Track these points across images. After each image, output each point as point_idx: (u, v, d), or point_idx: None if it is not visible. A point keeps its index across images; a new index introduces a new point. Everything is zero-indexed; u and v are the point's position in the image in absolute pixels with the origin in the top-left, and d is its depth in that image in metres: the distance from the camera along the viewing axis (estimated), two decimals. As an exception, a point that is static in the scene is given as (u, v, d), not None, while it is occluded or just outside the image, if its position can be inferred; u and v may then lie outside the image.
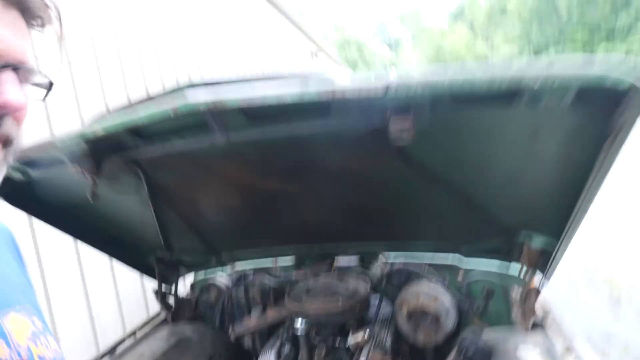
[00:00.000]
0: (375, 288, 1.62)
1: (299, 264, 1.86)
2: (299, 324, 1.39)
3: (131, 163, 1.11)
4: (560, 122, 0.78)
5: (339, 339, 1.42)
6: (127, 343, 1.59)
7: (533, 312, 1.34)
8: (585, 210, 0.97)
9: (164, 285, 1.76)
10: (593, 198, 0.91)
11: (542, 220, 1.17)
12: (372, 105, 0.75)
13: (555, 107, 0.71)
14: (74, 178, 1.02)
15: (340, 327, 1.46)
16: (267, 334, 1.61)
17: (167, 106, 0.82)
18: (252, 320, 1.53)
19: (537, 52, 22.40)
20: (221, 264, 1.89)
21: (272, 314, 1.52)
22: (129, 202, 1.37)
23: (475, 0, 28.64)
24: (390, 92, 0.69)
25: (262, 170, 1.17)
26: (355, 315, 1.46)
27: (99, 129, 0.89)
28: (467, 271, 1.57)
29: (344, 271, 1.71)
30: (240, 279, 1.81)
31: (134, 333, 1.69)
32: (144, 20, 3.05)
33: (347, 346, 1.39)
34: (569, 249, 1.13)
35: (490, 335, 1.38)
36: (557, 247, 1.16)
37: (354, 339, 1.37)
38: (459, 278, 1.58)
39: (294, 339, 1.43)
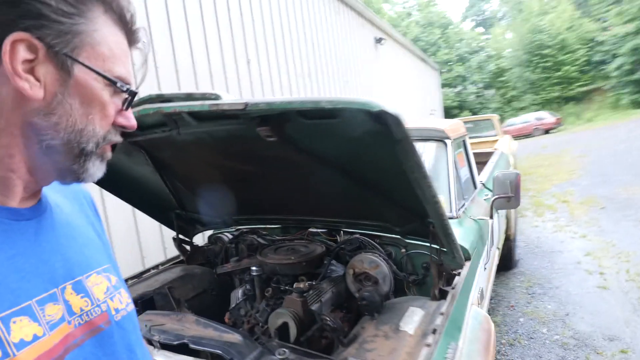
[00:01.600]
0: (331, 253, 2.00)
1: (284, 231, 2.33)
2: (254, 270, 1.84)
3: (133, 144, 1.63)
4: (369, 132, 1.09)
5: (287, 286, 1.85)
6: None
7: (437, 284, 1.63)
8: (435, 196, 1.26)
9: (181, 236, 2.34)
10: (432, 186, 1.20)
11: (423, 207, 1.43)
12: (237, 116, 1.14)
13: (358, 122, 1.04)
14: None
15: (294, 278, 1.89)
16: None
17: (149, 107, 1.29)
18: (229, 265, 2.03)
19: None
20: (227, 225, 2.42)
21: (245, 262, 2.01)
22: (148, 172, 1.92)
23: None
24: (247, 108, 1.07)
25: (223, 154, 1.61)
26: (304, 269, 1.86)
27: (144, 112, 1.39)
28: (408, 248, 1.88)
29: (313, 238, 2.12)
30: (238, 236, 2.32)
31: (157, 266, 2.31)
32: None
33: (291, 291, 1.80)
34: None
35: (402, 299, 1.70)
36: (441, 228, 1.43)
37: (296, 285, 1.79)
38: (402, 251, 1.90)
39: (259, 281, 1.88)
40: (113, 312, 0.58)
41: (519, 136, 20.07)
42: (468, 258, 1.83)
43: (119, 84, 0.55)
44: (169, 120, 1.33)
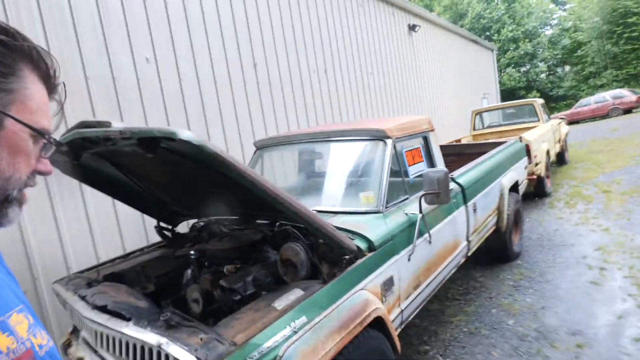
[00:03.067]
0: (266, 237, 2.32)
1: (245, 222, 2.69)
2: (192, 254, 2.23)
3: (95, 154, 2.09)
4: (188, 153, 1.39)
5: (224, 267, 2.22)
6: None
7: (322, 269, 1.89)
8: (277, 197, 1.54)
9: (163, 224, 2.82)
10: (269, 189, 1.48)
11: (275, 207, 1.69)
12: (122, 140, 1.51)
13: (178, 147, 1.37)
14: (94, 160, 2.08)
15: (232, 261, 2.25)
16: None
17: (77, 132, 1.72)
18: (182, 250, 2.46)
19: None
20: (201, 216, 2.85)
21: (197, 247, 2.41)
22: (120, 175, 2.40)
23: None
24: (122, 134, 1.44)
25: (144, 163, 2.00)
26: (236, 254, 2.21)
27: (68, 137, 1.87)
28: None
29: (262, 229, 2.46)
30: (204, 225, 2.74)
31: (142, 249, 2.82)
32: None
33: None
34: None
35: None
36: (305, 224, 1.70)
37: (226, 267, 2.15)
38: (320, 241, 2.16)
39: (196, 263, 2.27)
40: (37, 348, 0.59)
41: (593, 117, 18.16)
42: (372, 248, 2.04)
43: (46, 135, 0.62)
44: (100, 140, 1.76)
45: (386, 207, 2.32)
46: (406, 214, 2.38)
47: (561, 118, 9.23)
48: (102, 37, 3.30)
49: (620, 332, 2.64)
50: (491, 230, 3.71)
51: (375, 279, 2.01)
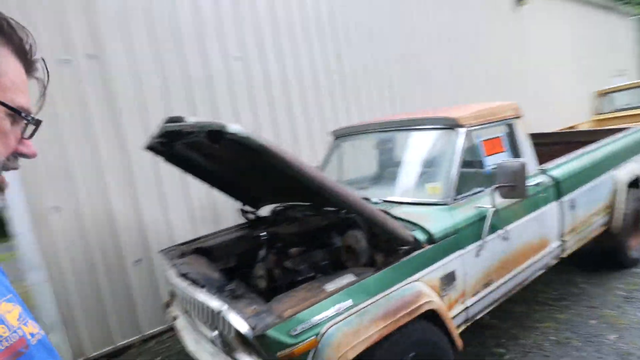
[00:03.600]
0: (331, 226, 2.42)
1: (315, 209, 2.83)
2: (262, 235, 2.44)
3: (186, 145, 2.42)
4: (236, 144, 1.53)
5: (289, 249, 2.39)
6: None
7: (376, 258, 1.91)
8: (324, 186, 1.62)
9: (247, 208, 3.13)
10: (318, 178, 1.57)
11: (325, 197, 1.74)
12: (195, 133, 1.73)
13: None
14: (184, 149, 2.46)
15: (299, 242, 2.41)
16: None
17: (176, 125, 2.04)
18: (258, 230, 2.69)
19: None
20: (278, 202, 3.09)
21: (269, 230, 2.62)
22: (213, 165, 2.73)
23: None
24: (194, 127, 1.67)
25: (229, 153, 2.24)
26: (304, 237, 2.36)
27: (159, 131, 2.22)
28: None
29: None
30: (281, 209, 2.96)
31: (228, 228, 3.17)
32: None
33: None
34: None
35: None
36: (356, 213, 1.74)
37: (291, 250, 2.32)
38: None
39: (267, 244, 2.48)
40: (29, 337, 0.57)
41: None
42: (432, 241, 1.99)
43: (22, 114, 0.57)
44: (183, 133, 2.05)
45: (455, 199, 2.22)
46: (477, 207, 2.25)
47: None
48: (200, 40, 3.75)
49: None
50: (599, 231, 3.23)
51: (433, 272, 1.96)
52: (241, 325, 1.53)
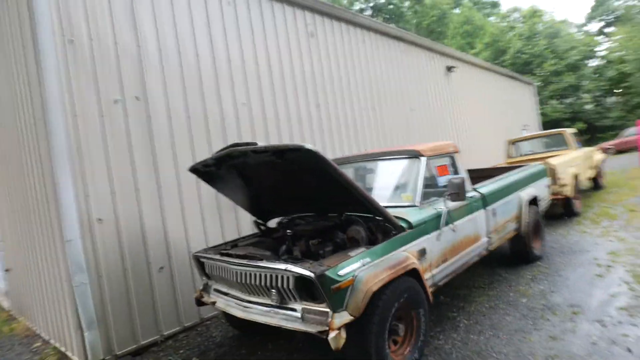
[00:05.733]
0: (336, 225, 3.39)
1: (318, 216, 3.79)
2: (288, 232, 3.33)
3: (231, 167, 3.30)
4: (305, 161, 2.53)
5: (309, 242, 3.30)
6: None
7: (378, 237, 2.92)
8: (356, 191, 2.64)
9: (259, 220, 3.98)
10: (355, 186, 2.59)
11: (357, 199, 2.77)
12: (265, 152, 2.68)
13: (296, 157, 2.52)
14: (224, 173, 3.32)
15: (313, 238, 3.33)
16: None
17: (227, 150, 2.94)
18: (279, 233, 3.57)
19: None
20: (285, 214, 4.00)
21: (292, 230, 3.51)
22: (238, 183, 3.60)
23: None
24: (263, 149, 2.62)
25: (264, 172, 3.18)
26: (317, 234, 3.30)
27: (213, 155, 3.09)
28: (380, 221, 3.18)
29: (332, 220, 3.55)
30: (290, 220, 3.87)
31: (244, 237, 3.98)
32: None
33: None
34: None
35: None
36: (374, 210, 2.77)
37: (312, 242, 3.24)
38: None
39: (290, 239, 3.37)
40: None
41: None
42: (411, 227, 3.05)
43: None
44: (238, 155, 2.96)
45: (422, 203, 3.34)
46: (435, 208, 3.38)
47: (610, 148, 9.71)
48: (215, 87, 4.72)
49: (609, 304, 3.40)
50: (513, 234, 4.54)
51: (413, 247, 3.01)
52: (307, 272, 2.42)
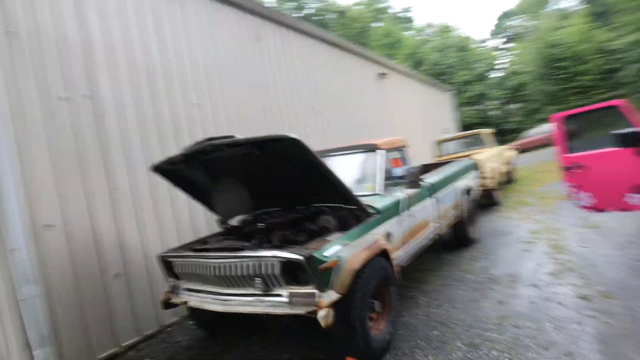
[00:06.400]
0: (305, 216, 3.52)
1: (285, 210, 3.89)
2: (259, 225, 3.40)
3: (199, 164, 3.27)
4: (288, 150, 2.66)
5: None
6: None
7: (352, 222, 3.13)
8: (335, 180, 2.81)
9: (221, 218, 3.96)
10: (333, 174, 2.76)
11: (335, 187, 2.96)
12: (242, 144, 2.75)
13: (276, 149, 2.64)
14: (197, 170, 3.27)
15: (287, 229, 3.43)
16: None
17: (203, 144, 2.94)
18: (250, 227, 3.62)
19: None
20: (248, 212, 4.03)
21: (264, 222, 3.56)
22: (203, 180, 3.57)
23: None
24: (243, 141, 2.68)
25: (235, 166, 3.22)
26: (287, 226, 3.40)
27: (185, 150, 3.06)
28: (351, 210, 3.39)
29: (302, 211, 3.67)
30: (255, 217, 3.91)
31: (211, 235, 3.93)
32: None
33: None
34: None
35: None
36: (348, 198, 2.97)
37: (286, 233, 3.33)
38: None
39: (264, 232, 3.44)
40: None
41: (540, 146, 20.67)
42: (378, 213, 3.30)
43: None
44: (211, 150, 2.97)
45: (383, 192, 3.62)
46: (395, 196, 3.69)
47: (517, 147, 11.03)
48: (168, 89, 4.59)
49: (538, 271, 4.00)
50: (455, 220, 5.07)
51: (381, 230, 3.26)
52: (295, 256, 2.52)
